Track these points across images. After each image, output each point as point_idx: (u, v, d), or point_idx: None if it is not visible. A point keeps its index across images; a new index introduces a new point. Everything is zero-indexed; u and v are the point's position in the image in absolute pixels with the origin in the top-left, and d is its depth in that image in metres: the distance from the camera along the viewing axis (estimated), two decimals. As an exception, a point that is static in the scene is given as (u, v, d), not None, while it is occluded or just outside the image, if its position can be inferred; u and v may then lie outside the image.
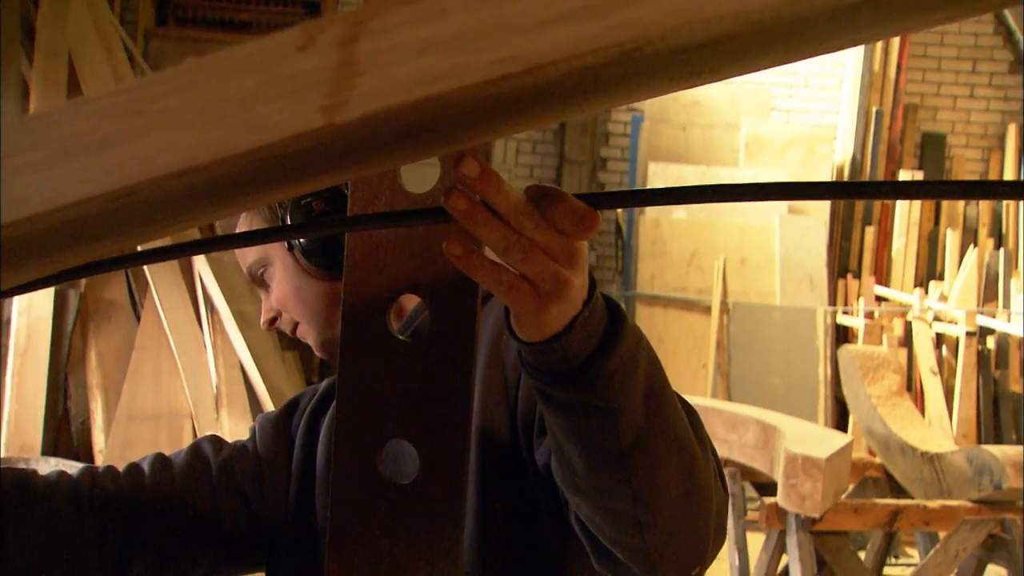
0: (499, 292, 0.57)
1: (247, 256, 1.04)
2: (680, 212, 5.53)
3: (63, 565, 0.96)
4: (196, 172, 0.40)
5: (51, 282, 0.65)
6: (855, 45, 0.51)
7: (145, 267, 3.90)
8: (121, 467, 1.04)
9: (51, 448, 3.81)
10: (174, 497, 1.01)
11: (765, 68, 0.50)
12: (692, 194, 0.56)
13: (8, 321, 3.78)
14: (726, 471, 3.42)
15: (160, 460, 1.04)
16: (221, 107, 0.38)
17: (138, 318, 4.01)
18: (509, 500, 0.89)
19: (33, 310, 3.78)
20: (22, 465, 3.39)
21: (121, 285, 4.07)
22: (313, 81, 0.38)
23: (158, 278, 3.92)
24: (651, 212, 5.49)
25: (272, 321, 1.04)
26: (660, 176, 5.57)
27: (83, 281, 3.92)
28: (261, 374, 3.88)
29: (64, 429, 3.98)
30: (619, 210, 5.88)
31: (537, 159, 6.25)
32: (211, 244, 0.68)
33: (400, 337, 0.74)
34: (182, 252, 0.58)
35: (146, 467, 1.03)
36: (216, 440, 1.09)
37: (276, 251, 1.02)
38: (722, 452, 3.46)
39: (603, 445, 0.65)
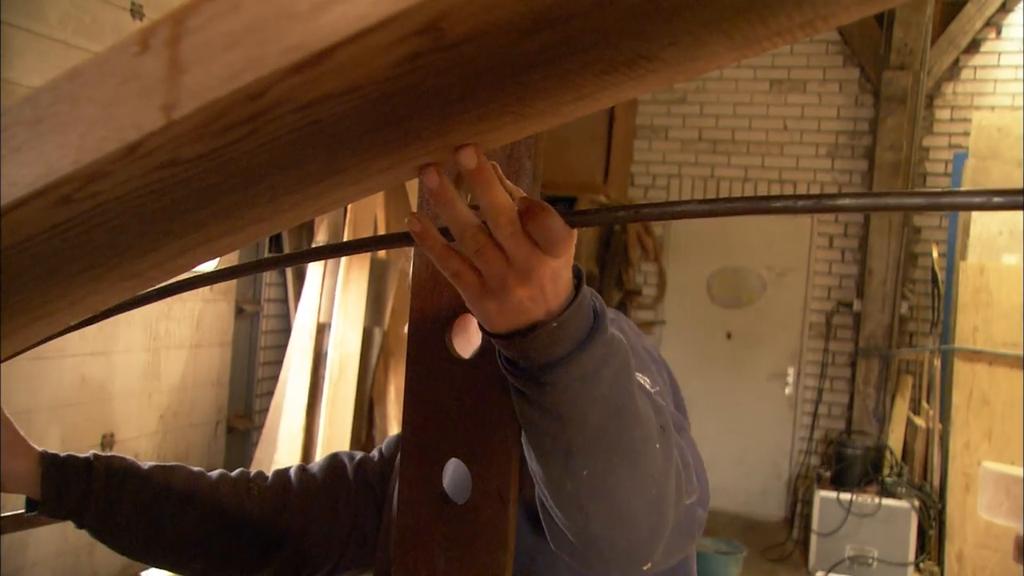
0: (447, 275, 0.60)
1: None
2: (1011, 258, 4.88)
3: (222, 547, 1.11)
4: (98, 175, 0.44)
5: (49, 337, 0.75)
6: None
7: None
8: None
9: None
10: (317, 491, 1.15)
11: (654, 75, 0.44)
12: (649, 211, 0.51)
13: (325, 354, 4.27)
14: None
15: (300, 466, 1.19)
16: (92, 112, 0.42)
17: (433, 355, 4.34)
18: None
19: (345, 344, 4.22)
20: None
21: (419, 324, 4.43)
22: (152, 82, 0.40)
23: (450, 319, 4.21)
24: (973, 258, 4.90)
25: None
26: (986, 221, 4.96)
27: (387, 319, 4.32)
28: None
29: (369, 454, 4.40)
30: (935, 255, 5.32)
31: (843, 202, 5.86)
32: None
33: (457, 356, 0.74)
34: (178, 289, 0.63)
35: (291, 471, 1.17)
36: (350, 452, 1.22)
37: None
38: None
39: (551, 441, 0.67)
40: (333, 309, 4.32)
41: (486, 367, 0.73)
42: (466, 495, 0.75)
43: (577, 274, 0.63)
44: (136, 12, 3.68)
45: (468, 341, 0.81)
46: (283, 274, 4.69)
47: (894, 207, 0.46)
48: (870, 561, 4.77)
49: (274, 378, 4.75)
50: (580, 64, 0.46)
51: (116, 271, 0.68)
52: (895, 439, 5.25)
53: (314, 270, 4.41)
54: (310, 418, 4.24)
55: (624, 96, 0.53)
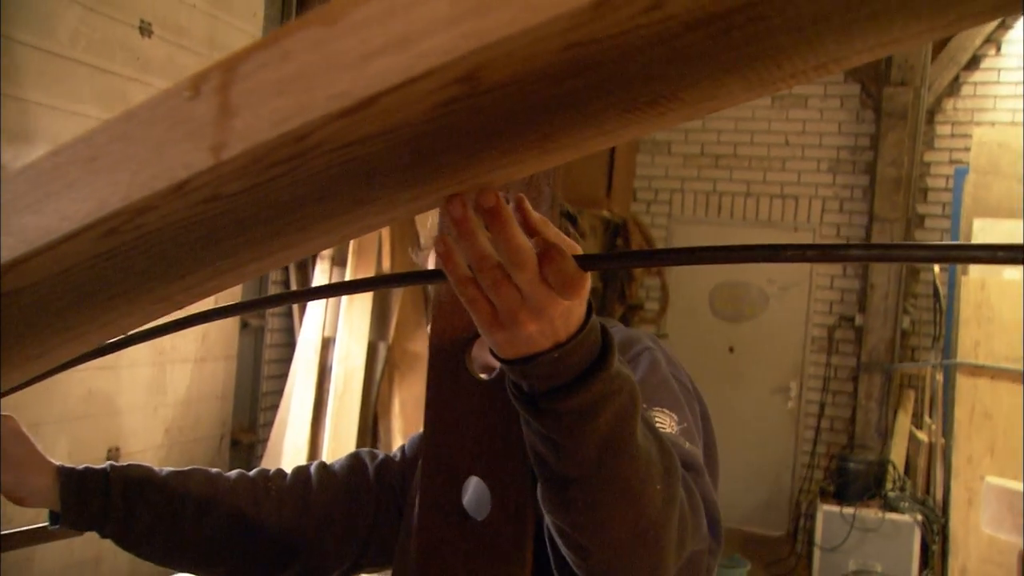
0: (462, 300, 0.62)
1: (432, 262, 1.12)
2: (1012, 272, 4.90)
3: (244, 549, 1.12)
4: (146, 209, 0.47)
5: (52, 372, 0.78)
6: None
7: (443, 323, 4.24)
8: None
9: (360, 484, 4.24)
10: (337, 491, 1.17)
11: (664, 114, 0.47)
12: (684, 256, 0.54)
13: (329, 369, 4.29)
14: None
15: (322, 463, 1.21)
16: (145, 152, 0.45)
17: (437, 370, 4.36)
18: None
19: (350, 359, 4.24)
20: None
21: (423, 339, 4.45)
22: (202, 124, 0.43)
23: (454, 333, 4.23)
24: (975, 273, 4.92)
25: None
26: (987, 234, 4.98)
27: (391, 333, 4.35)
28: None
29: (373, 468, 4.41)
30: (936, 271, 5.35)
31: (844, 217, 5.89)
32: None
33: (478, 376, 0.77)
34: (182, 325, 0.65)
35: (312, 469, 1.19)
36: (372, 450, 1.24)
37: None
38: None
39: (549, 469, 0.69)
40: (338, 323, 4.34)
41: (498, 386, 0.76)
42: (486, 512, 0.77)
43: (588, 307, 0.65)
44: (145, 30, 3.72)
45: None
46: (288, 288, 4.72)
47: (902, 259, 0.49)
48: (873, 576, 4.77)
49: (278, 392, 4.77)
50: (604, 105, 0.48)
51: (148, 295, 0.70)
52: (897, 453, 5.26)
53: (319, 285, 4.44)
54: (314, 432, 4.25)
55: (645, 131, 0.56)
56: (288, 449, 4.24)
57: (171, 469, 1.13)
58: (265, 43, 0.40)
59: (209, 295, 0.77)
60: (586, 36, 0.37)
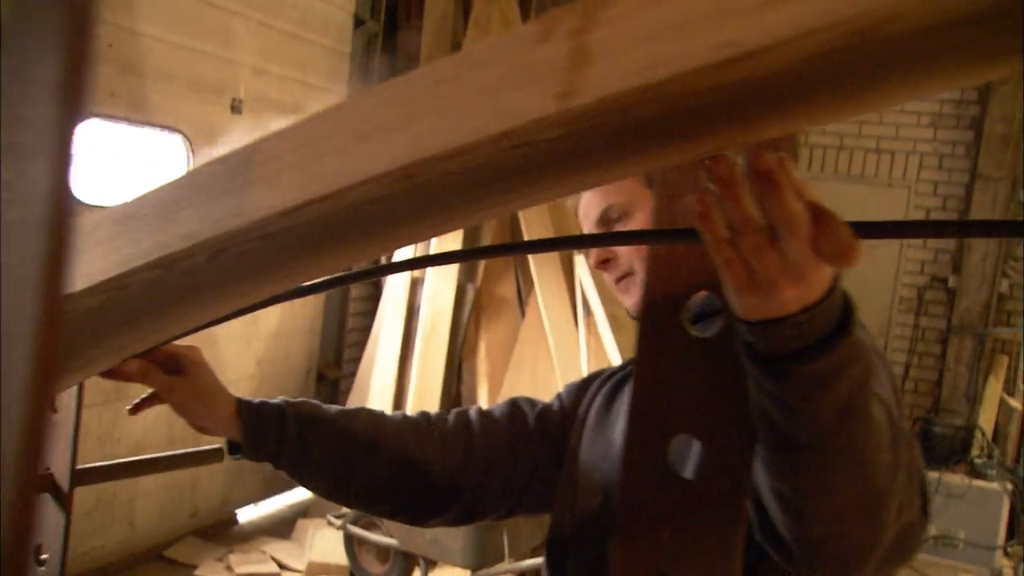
0: (716, 261, 0.59)
1: (606, 196, 1.06)
2: (1125, 239, 4.69)
3: (407, 489, 1.14)
4: (461, 153, 0.46)
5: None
6: None
7: (532, 267, 4.23)
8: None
9: (444, 424, 4.30)
10: (498, 438, 1.17)
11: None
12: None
13: (418, 309, 4.33)
14: None
15: (480, 409, 1.21)
16: (475, 96, 0.43)
17: (523, 314, 4.36)
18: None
19: (438, 299, 4.27)
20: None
21: (511, 282, 4.46)
22: (549, 70, 0.41)
23: (542, 278, 4.23)
24: (1084, 237, 4.72)
25: (604, 262, 1.07)
26: (1100, 196, 4.76)
27: (480, 276, 4.36)
28: (629, 377, 4.00)
29: (456, 408, 4.47)
30: (1043, 234, 5.14)
31: (944, 175, 5.67)
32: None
33: (695, 334, 0.75)
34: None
35: (472, 414, 1.19)
36: (529, 398, 1.23)
37: (642, 205, 1.05)
38: None
39: (780, 432, 0.67)
40: (427, 264, 4.36)
41: (719, 345, 0.74)
42: (687, 469, 0.76)
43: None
44: (249, -37, 3.71)
45: None
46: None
47: None
48: (956, 543, 4.69)
49: (362, 329, 4.84)
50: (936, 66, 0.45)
51: (363, 239, 0.69)
52: (986, 420, 5.14)
53: (408, 225, 4.44)
54: (401, 371, 4.31)
55: (897, 102, 0.51)
56: (375, 386, 4.31)
57: (338, 408, 1.14)
58: (640, -14, 0.38)
59: (412, 242, 0.76)
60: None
